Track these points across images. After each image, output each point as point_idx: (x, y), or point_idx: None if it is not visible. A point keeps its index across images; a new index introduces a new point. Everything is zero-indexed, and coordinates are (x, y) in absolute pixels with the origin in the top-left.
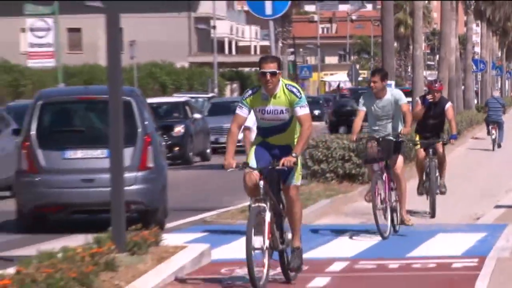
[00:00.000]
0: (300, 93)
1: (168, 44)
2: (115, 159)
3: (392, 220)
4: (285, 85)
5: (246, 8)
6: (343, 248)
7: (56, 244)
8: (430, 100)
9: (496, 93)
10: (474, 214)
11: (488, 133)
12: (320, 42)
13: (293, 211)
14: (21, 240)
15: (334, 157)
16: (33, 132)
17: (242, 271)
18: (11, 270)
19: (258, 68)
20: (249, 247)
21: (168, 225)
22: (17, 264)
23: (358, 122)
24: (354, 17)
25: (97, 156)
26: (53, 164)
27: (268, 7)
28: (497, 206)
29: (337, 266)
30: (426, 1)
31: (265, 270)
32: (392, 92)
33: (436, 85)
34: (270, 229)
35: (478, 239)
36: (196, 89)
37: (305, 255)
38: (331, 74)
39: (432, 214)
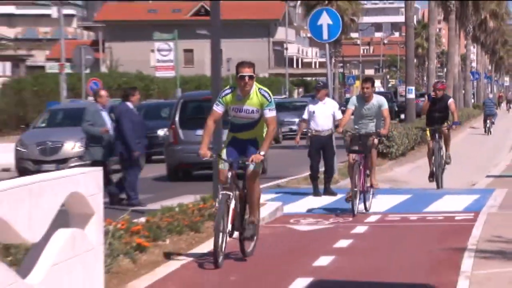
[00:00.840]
0: (270, 98)
1: (254, 60)
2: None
3: (364, 199)
4: (258, 89)
5: (309, 35)
6: (377, 205)
7: (174, 201)
8: (433, 96)
9: (490, 95)
10: (471, 181)
11: (484, 123)
12: (362, 59)
13: (252, 192)
14: (150, 198)
15: None
16: (176, 119)
17: (305, 221)
18: (142, 219)
19: (315, 77)
20: (217, 228)
21: None
22: (146, 215)
23: (346, 117)
24: (385, 41)
25: None
26: (188, 138)
27: (325, 34)
28: (488, 176)
29: (372, 218)
30: (437, 30)
31: (224, 245)
32: (378, 99)
33: (438, 85)
34: (233, 215)
35: (474, 199)
36: (273, 92)
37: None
38: None
39: (437, 187)
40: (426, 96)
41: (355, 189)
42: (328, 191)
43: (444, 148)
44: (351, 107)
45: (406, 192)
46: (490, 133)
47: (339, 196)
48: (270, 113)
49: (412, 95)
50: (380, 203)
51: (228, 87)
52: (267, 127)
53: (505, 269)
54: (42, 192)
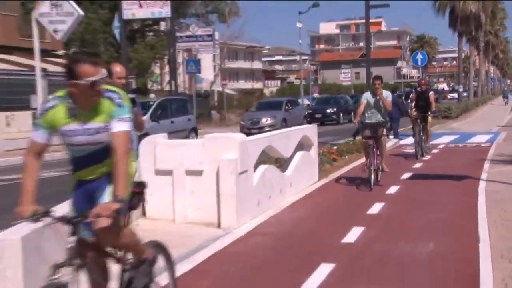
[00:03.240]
0: (121, 100)
1: (384, 77)
2: None
3: (376, 175)
4: (106, 91)
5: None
6: (442, 139)
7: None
8: (419, 90)
9: (505, 88)
10: (489, 128)
11: (504, 99)
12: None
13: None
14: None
15: None
16: None
17: (409, 150)
18: (334, 147)
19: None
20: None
21: None
22: (337, 146)
23: (361, 109)
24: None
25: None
26: None
27: (419, 62)
28: (498, 126)
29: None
30: (474, 58)
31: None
32: (385, 93)
33: (422, 81)
34: None
35: (491, 136)
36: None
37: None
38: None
39: (422, 154)
40: (413, 90)
41: (371, 167)
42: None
43: (424, 129)
44: (363, 100)
45: (457, 133)
46: (506, 104)
47: None
48: (119, 126)
49: (461, 90)
50: (444, 139)
51: (53, 95)
52: (114, 151)
53: (507, 168)
54: (290, 135)
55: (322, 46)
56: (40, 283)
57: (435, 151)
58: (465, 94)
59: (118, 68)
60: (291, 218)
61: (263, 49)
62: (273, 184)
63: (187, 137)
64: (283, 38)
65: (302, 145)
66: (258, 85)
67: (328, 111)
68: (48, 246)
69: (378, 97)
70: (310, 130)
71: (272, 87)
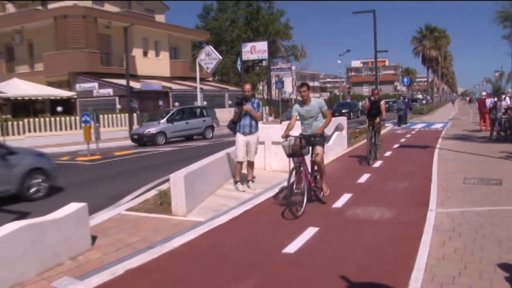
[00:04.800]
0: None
1: None
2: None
3: (308, 197)
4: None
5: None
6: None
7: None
8: (372, 99)
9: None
10: (443, 119)
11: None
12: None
13: None
14: None
15: None
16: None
17: (400, 131)
18: (357, 129)
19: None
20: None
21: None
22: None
23: (291, 123)
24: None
25: None
26: None
27: (405, 82)
28: (448, 118)
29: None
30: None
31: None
32: (317, 101)
33: (375, 91)
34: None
35: (443, 124)
36: None
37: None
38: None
39: (375, 157)
40: (367, 99)
41: (297, 190)
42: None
43: (377, 135)
44: (294, 113)
45: (426, 122)
46: (453, 106)
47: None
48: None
49: (429, 98)
50: (418, 125)
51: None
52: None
53: (450, 141)
54: (334, 122)
55: (352, 73)
56: (193, 203)
57: (413, 132)
58: (431, 101)
59: (247, 86)
60: (330, 169)
61: (320, 74)
62: None
63: (203, 133)
64: (331, 68)
65: (338, 128)
66: (317, 95)
67: (343, 111)
68: (197, 182)
69: (309, 106)
70: (342, 120)
71: (324, 97)
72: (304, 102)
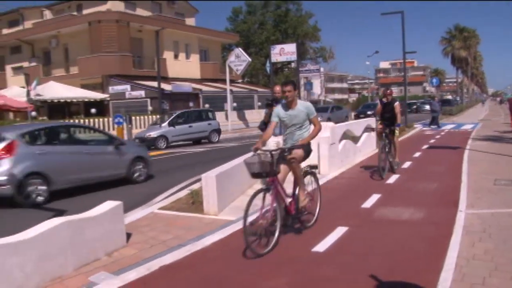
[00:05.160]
0: (284, 103)
1: None
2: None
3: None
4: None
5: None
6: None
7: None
8: (385, 101)
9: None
10: (473, 120)
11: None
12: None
13: None
14: None
15: None
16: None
17: (429, 132)
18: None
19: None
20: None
21: None
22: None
23: (268, 132)
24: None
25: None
26: None
27: (434, 83)
28: (478, 119)
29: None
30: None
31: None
32: (305, 105)
33: (388, 91)
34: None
35: (474, 125)
36: None
37: None
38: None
39: (392, 170)
40: (378, 101)
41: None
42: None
43: (392, 145)
44: (274, 120)
45: (455, 123)
46: (483, 106)
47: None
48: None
49: (458, 99)
50: (448, 126)
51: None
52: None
53: (480, 143)
54: (360, 123)
55: (381, 74)
56: (224, 202)
57: (442, 133)
58: (460, 102)
59: (277, 88)
60: (359, 170)
61: (348, 76)
62: (349, 151)
63: (208, 136)
64: (359, 70)
65: (367, 129)
66: (345, 96)
67: (368, 112)
68: (228, 181)
69: (294, 110)
70: (371, 121)
71: (352, 98)
72: (288, 105)
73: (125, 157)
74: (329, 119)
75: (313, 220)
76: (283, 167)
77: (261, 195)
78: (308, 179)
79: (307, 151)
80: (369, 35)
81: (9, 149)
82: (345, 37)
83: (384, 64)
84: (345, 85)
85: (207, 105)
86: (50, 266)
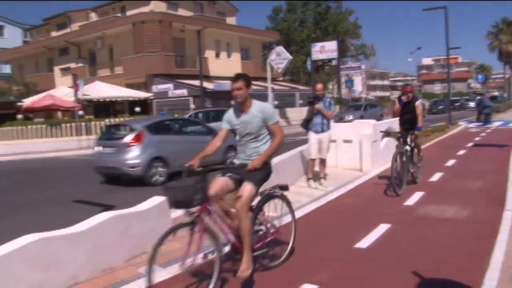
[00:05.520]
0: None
1: None
2: None
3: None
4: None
5: None
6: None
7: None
8: (404, 99)
9: None
10: None
11: None
12: None
13: None
14: None
15: None
16: None
17: (473, 129)
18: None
19: None
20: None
21: None
22: None
23: (214, 143)
24: None
25: None
26: None
27: (480, 78)
28: None
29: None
30: None
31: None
32: (261, 107)
33: (408, 87)
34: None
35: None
36: None
37: None
38: None
39: (414, 182)
40: (396, 100)
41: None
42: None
43: (413, 152)
44: (224, 127)
45: (503, 120)
46: None
47: None
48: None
49: (506, 96)
50: (496, 123)
51: None
52: None
53: None
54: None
55: (424, 71)
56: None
57: (488, 130)
58: (507, 98)
59: (319, 85)
60: None
61: (389, 73)
62: (391, 148)
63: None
64: (401, 66)
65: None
66: (387, 93)
67: None
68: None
69: (247, 115)
70: None
71: (394, 95)
72: (240, 108)
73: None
74: (361, 118)
75: (281, 260)
76: (221, 181)
77: (183, 231)
78: (276, 204)
79: (266, 173)
80: (411, 31)
81: (138, 138)
82: (386, 34)
83: (427, 61)
84: (386, 82)
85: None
86: (101, 257)
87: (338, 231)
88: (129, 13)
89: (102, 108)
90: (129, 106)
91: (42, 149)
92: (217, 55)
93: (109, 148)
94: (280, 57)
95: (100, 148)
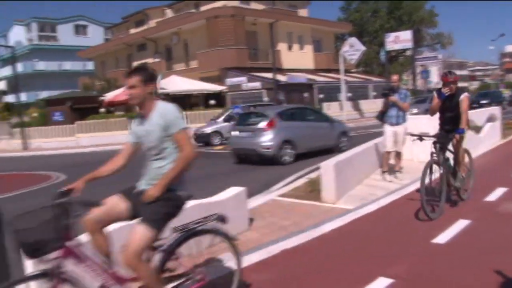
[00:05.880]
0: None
1: None
2: None
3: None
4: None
5: None
6: None
7: None
8: (447, 93)
9: None
10: None
11: None
12: None
13: None
14: None
15: None
16: None
17: None
18: None
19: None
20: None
21: None
22: None
23: (115, 161)
24: None
25: None
26: None
27: None
28: None
29: None
30: None
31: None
32: (164, 112)
33: (450, 77)
34: None
35: None
36: None
37: None
38: None
39: (460, 197)
40: (434, 93)
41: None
42: None
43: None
44: (130, 138)
45: None
46: None
47: None
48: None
49: None
50: None
51: None
52: None
53: None
54: (483, 112)
55: (507, 59)
56: (341, 191)
57: None
58: None
59: (394, 77)
60: (483, 161)
61: (468, 62)
62: (471, 142)
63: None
64: (481, 55)
65: (491, 119)
66: (465, 84)
67: (482, 101)
68: (346, 171)
69: (149, 123)
70: (495, 110)
71: (474, 85)
72: (142, 113)
73: (335, 132)
74: (427, 111)
75: None
76: (109, 202)
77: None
78: (203, 242)
79: (172, 207)
80: (493, 17)
81: (271, 124)
82: (466, 21)
83: (511, 48)
84: (465, 72)
85: (321, 96)
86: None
87: (414, 225)
88: (203, 8)
89: (178, 101)
90: (204, 99)
91: (122, 141)
92: (290, 48)
93: (245, 132)
94: (353, 48)
95: (237, 133)
